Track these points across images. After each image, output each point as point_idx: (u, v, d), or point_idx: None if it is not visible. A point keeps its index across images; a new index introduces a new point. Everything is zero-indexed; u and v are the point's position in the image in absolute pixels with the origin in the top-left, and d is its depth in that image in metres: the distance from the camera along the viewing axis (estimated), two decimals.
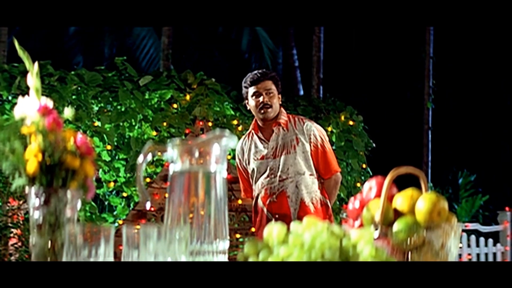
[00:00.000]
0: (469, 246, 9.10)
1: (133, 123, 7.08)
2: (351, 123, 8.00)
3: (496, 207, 12.36)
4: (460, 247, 8.98)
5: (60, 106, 6.95)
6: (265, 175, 4.54)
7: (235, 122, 7.35)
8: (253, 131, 4.64)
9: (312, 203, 4.48)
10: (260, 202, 4.57)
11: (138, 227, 1.62)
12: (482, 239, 9.29)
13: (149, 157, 1.88)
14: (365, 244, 1.54)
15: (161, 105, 7.13)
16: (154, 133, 7.12)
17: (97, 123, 7.00)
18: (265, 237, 1.60)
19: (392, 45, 15.47)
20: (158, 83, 7.11)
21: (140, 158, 1.86)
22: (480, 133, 15.65)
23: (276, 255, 1.54)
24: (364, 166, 8.10)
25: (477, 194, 15.92)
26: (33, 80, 1.80)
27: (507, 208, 10.16)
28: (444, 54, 13.19)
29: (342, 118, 7.86)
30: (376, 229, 1.74)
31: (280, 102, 4.61)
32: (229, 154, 7.39)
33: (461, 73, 15.37)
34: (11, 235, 6.30)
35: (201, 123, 7.12)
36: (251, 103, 4.59)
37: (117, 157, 7.18)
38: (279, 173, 4.50)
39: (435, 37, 11.80)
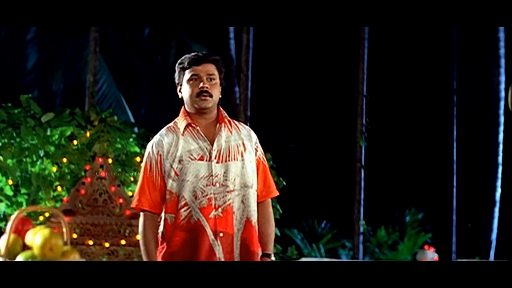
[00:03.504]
0: None
1: (35, 159, 7.28)
2: None
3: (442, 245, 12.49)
4: None
5: None
6: (206, 181, 3.63)
7: (138, 159, 7.53)
8: (190, 122, 3.69)
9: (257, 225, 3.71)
10: (196, 214, 3.62)
11: None
12: None
13: None
14: None
15: (61, 141, 7.33)
16: (55, 168, 7.32)
17: (0, 158, 7.21)
18: None
19: (325, 83, 15.72)
20: (60, 119, 7.33)
21: None
22: (420, 170, 15.89)
23: None
24: None
25: (425, 231, 16.08)
26: None
27: (426, 247, 10.32)
28: (378, 92, 13.42)
29: None
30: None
31: (221, 96, 3.74)
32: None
33: (395, 111, 15.65)
34: None
35: (100, 159, 7.30)
36: (185, 89, 3.69)
37: (19, 192, 7.39)
38: (226, 182, 3.65)
39: (369, 75, 12.01)
